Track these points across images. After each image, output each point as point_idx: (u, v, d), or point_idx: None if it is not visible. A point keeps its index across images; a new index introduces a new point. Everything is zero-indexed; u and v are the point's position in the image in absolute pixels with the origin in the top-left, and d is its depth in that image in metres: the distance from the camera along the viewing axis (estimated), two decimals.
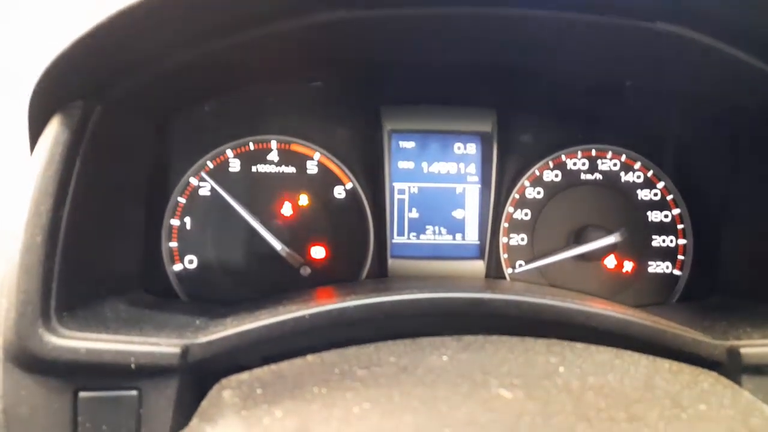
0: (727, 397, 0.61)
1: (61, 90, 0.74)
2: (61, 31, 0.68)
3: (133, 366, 0.67)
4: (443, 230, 1.19)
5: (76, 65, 0.71)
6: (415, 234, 1.18)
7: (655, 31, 0.77)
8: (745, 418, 0.55)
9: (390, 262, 1.16)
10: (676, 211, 1.20)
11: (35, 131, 0.76)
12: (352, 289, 0.92)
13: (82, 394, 0.67)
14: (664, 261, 1.20)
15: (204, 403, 0.61)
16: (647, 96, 1.12)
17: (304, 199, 1.17)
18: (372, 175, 1.17)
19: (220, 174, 1.14)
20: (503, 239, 1.20)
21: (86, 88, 0.76)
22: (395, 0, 0.74)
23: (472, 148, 1.18)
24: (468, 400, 0.54)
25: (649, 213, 1.20)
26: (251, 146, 1.16)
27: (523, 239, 1.20)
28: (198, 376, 0.70)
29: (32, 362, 0.66)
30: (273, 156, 1.17)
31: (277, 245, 1.12)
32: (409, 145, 1.18)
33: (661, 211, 1.21)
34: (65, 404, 0.66)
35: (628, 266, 1.20)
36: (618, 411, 0.53)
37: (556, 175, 1.20)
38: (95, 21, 0.66)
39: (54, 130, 0.73)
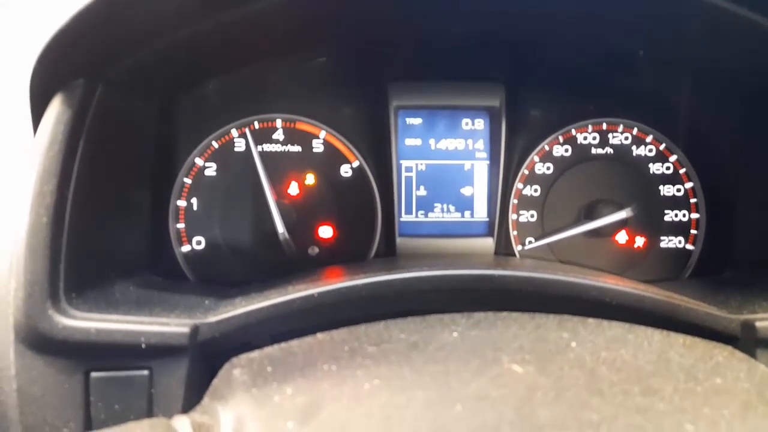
0: (743, 370, 0.60)
1: (61, 68, 0.73)
2: (59, 8, 0.67)
3: (143, 346, 0.68)
4: (452, 208, 1.17)
5: (75, 41, 0.69)
6: (423, 212, 1.17)
7: None
8: (760, 391, 0.55)
9: (398, 240, 1.15)
10: (688, 185, 1.18)
11: (37, 111, 0.75)
12: (360, 268, 0.91)
13: (94, 374, 0.68)
14: (676, 236, 1.19)
15: (215, 382, 0.60)
16: (659, 67, 1.09)
17: (310, 179, 1.16)
18: (379, 152, 1.16)
19: (226, 154, 1.13)
20: (512, 216, 1.18)
21: (87, 66, 0.75)
22: None
23: (480, 124, 1.16)
24: (479, 376, 0.53)
25: (661, 187, 1.18)
26: (256, 125, 1.15)
27: (532, 216, 1.19)
28: (208, 356, 0.70)
29: (43, 343, 0.66)
30: (278, 135, 1.15)
31: (280, 228, 1.10)
32: (416, 121, 1.16)
33: (674, 185, 1.18)
34: (77, 384, 0.67)
35: (639, 242, 1.18)
36: (632, 385, 0.52)
37: (566, 150, 1.18)
38: None
39: (56, 109, 0.73)
